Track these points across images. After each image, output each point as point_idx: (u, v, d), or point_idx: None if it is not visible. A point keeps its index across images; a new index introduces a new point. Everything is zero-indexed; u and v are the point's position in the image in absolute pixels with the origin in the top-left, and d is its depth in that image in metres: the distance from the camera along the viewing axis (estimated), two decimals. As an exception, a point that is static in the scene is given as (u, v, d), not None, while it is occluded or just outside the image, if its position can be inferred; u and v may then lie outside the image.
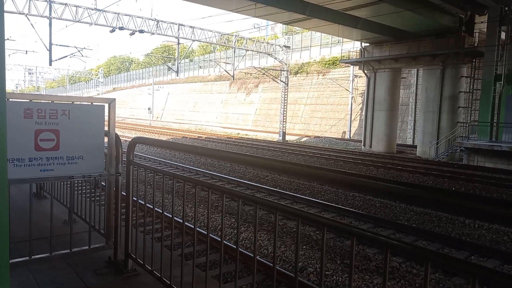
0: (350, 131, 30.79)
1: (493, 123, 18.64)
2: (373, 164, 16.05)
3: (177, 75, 41.03)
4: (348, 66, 29.91)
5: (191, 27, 24.31)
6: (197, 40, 25.43)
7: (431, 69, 20.90)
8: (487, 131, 18.52)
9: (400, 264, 5.75)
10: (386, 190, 1.87)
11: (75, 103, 3.27)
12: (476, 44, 19.76)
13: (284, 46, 30.51)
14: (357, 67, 26.08)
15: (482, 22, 19.35)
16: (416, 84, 27.58)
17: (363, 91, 28.52)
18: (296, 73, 36.65)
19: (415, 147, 23.44)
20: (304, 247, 6.39)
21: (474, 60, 20.17)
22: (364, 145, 24.31)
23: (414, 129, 27.45)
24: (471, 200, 1.52)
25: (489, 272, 1.36)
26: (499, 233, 7.49)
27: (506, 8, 18.04)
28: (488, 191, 11.62)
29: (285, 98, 30.10)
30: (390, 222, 7.85)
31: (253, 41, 29.83)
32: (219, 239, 5.74)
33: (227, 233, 6.97)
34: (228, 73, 32.51)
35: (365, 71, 24.16)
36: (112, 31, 21.41)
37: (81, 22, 20.32)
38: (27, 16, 19.11)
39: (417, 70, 26.83)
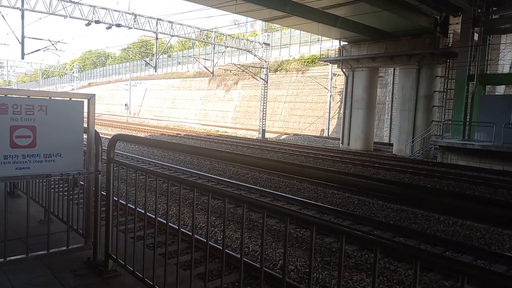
0: (328, 129, 31.11)
1: (466, 122, 19.22)
2: (351, 162, 16.29)
3: (155, 71, 40.43)
4: (327, 65, 30.18)
5: (169, 22, 23.97)
6: (175, 36, 25.10)
7: (407, 69, 21.35)
8: (460, 130, 19.09)
9: (378, 260, 5.84)
10: (369, 187, 1.88)
11: (52, 98, 3.15)
12: (450, 45, 20.29)
13: (263, 43, 30.51)
14: (336, 65, 26.35)
15: (456, 24, 19.87)
16: (393, 83, 28.11)
17: (341, 90, 28.87)
18: (276, 70, 36.73)
19: (392, 145, 23.91)
20: (285, 244, 6.41)
21: (448, 61, 20.73)
22: (342, 143, 24.62)
23: (390, 128, 27.99)
24: (446, 197, 1.54)
25: (477, 270, 1.39)
26: (472, 229, 7.73)
27: (479, 10, 18.60)
28: (461, 188, 11.98)
29: (265, 96, 30.13)
30: (368, 219, 7.97)
31: (233, 37, 29.69)
32: (204, 240, 5.70)
33: (210, 231, 6.90)
34: (208, 69, 32.27)
35: (344, 70, 24.44)
36: (88, 24, 20.84)
37: (55, 14, 19.68)
38: (-2, 7, 18.38)
39: (394, 70, 27.34)
